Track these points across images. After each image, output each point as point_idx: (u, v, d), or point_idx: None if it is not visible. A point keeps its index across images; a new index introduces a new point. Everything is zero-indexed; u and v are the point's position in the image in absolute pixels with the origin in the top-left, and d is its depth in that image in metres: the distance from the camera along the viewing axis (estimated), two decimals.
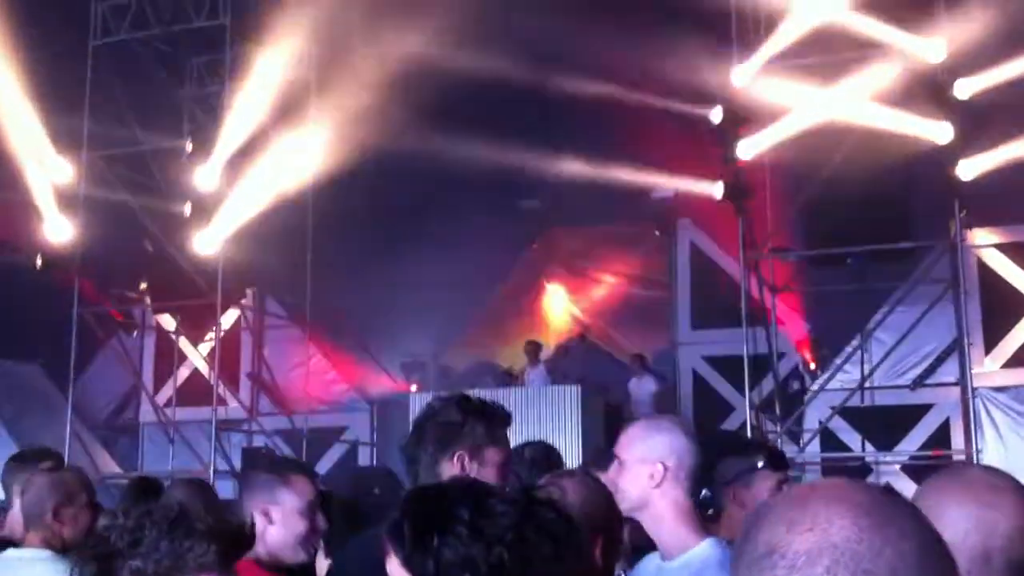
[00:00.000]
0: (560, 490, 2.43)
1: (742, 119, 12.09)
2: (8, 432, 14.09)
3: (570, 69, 13.59)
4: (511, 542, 1.43)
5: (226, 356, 14.62)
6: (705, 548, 2.52)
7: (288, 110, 13.92)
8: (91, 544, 1.95)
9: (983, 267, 11.78)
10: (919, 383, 11.79)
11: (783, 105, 11.91)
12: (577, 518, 1.60)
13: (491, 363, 15.70)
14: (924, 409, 11.87)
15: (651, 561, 2.67)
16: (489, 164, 13.54)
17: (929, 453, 11.65)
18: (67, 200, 14.06)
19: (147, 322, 15.98)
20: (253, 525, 2.97)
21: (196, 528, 1.91)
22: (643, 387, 13.63)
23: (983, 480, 1.72)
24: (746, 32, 12.17)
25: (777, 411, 12.40)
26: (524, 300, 17.15)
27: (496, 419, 2.78)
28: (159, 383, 15.75)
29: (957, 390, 11.54)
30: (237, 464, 14.15)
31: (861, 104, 11.46)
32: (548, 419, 11.89)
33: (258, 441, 15.02)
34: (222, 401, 14.15)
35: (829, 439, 12.09)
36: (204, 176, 13.91)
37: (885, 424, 11.82)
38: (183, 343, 15.43)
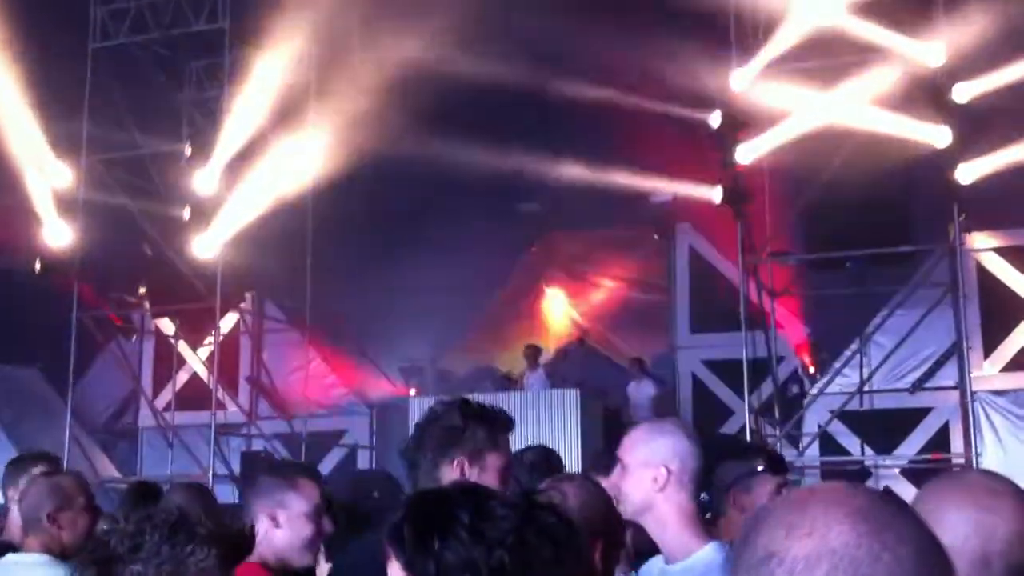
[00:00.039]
0: (560, 494, 2.43)
1: (741, 123, 12.10)
2: (7, 436, 14.09)
3: (569, 73, 13.61)
4: (512, 545, 1.43)
5: (225, 360, 14.61)
6: (709, 552, 2.53)
7: (287, 114, 13.92)
8: (91, 549, 1.95)
9: (982, 271, 11.78)
10: (918, 387, 11.79)
11: (782, 109, 11.92)
12: (577, 522, 1.60)
13: (490, 367, 15.69)
14: (923, 413, 11.87)
15: (654, 565, 2.67)
16: (488, 168, 13.55)
17: (928, 457, 11.65)
18: (66, 204, 14.06)
19: (146, 326, 15.97)
20: (253, 528, 2.98)
21: (197, 532, 1.91)
22: (642, 391, 13.63)
23: (982, 484, 1.72)
24: (745, 36, 12.18)
25: (776, 415, 12.41)
26: (523, 304, 17.14)
27: (497, 424, 2.77)
28: (158, 387, 15.74)
29: (956, 394, 11.54)
30: (236, 468, 14.14)
31: (860, 108, 11.47)
32: (547, 423, 11.88)
33: (257, 445, 15.01)
34: (221, 405, 14.14)
35: (828, 443, 12.09)
36: (203, 180, 13.91)
37: (884, 428, 11.82)
38: (182, 347, 15.42)
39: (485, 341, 16.46)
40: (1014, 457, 10.87)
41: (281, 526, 2.98)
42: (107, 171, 14.44)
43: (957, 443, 11.58)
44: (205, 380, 14.86)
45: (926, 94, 11.33)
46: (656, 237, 15.96)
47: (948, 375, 11.64)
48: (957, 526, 1.62)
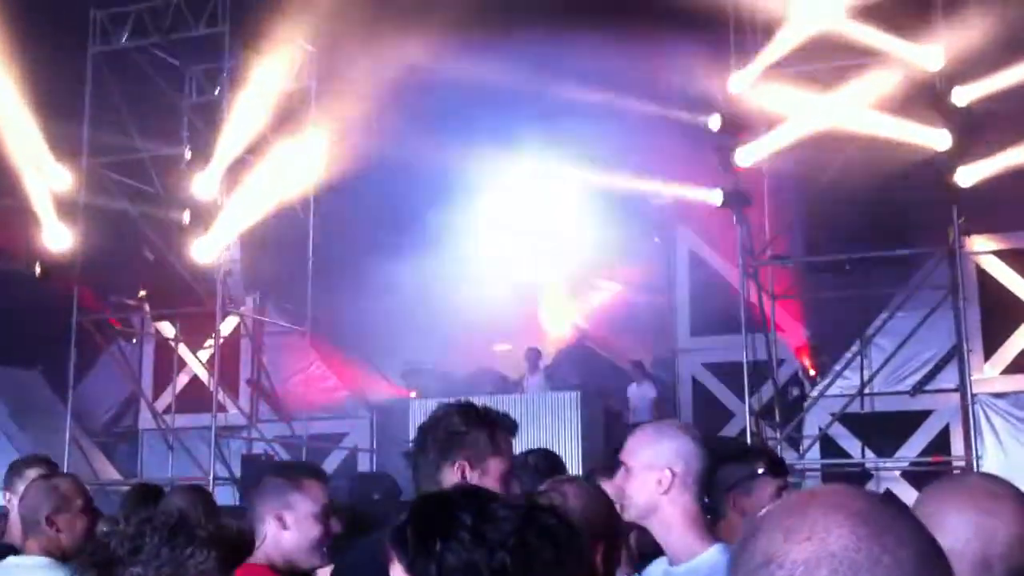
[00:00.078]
0: (561, 496, 2.44)
1: (741, 126, 12.11)
2: (8, 439, 14.09)
3: (569, 76, 13.61)
4: (513, 547, 1.44)
5: (225, 363, 14.59)
6: (713, 554, 2.52)
7: (287, 117, 13.93)
8: (91, 551, 1.96)
9: (982, 273, 11.78)
10: (919, 389, 11.79)
11: (782, 112, 11.92)
12: (578, 524, 1.60)
13: (491, 370, 15.67)
14: (924, 415, 11.87)
15: (658, 566, 2.67)
16: (488, 170, 13.57)
17: (929, 459, 11.64)
18: (66, 208, 14.05)
19: (146, 329, 15.97)
20: (252, 531, 2.97)
21: (196, 535, 1.91)
22: (642, 393, 13.63)
23: (983, 488, 1.72)
24: (745, 39, 12.19)
25: (777, 417, 12.40)
26: (523, 307, 17.13)
27: (500, 428, 2.77)
28: (158, 390, 15.73)
29: (957, 396, 11.54)
30: (237, 471, 14.13)
31: (860, 111, 11.47)
32: (548, 425, 11.89)
33: (257, 448, 14.99)
34: (221, 408, 14.12)
35: (829, 445, 12.08)
36: (203, 184, 13.90)
37: (885, 430, 11.82)
38: (182, 350, 15.42)
39: (485, 344, 16.45)
40: (1015, 459, 10.87)
41: (289, 527, 2.97)
42: (107, 174, 14.45)
43: (958, 446, 11.57)
44: (205, 382, 14.85)
45: (925, 97, 11.33)
46: (656, 240, 15.96)
47: (948, 378, 11.64)
48: (958, 529, 1.62)
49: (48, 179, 13.97)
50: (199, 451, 14.04)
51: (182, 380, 15.45)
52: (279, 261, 14.51)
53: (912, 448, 11.81)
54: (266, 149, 14.00)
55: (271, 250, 14.08)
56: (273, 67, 13.37)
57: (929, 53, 11.30)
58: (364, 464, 14.74)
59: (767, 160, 12.24)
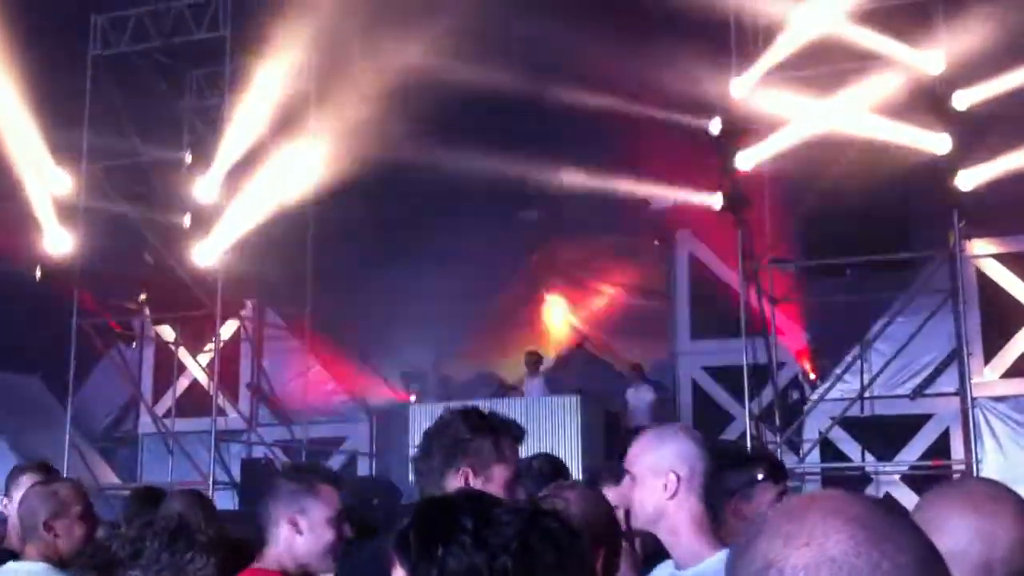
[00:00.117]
0: (563, 501, 2.43)
1: (741, 130, 12.12)
2: (8, 444, 14.08)
3: (569, 80, 13.61)
4: (515, 551, 1.44)
5: (225, 367, 14.60)
6: (720, 559, 2.51)
7: (288, 122, 13.93)
8: (91, 553, 1.96)
9: (982, 277, 11.78)
10: (919, 393, 11.79)
11: (782, 116, 11.93)
12: (580, 528, 1.61)
13: (491, 374, 15.68)
14: (924, 419, 11.86)
15: (663, 570, 2.67)
16: (488, 175, 13.56)
17: (929, 463, 11.64)
18: (66, 211, 14.06)
19: (146, 333, 15.98)
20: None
21: (196, 540, 1.91)
22: (641, 397, 13.64)
23: (983, 492, 1.72)
24: (745, 43, 12.20)
25: (777, 421, 12.40)
26: (523, 311, 17.15)
27: (505, 435, 2.76)
28: (158, 394, 15.73)
29: (957, 400, 11.54)
30: (236, 475, 14.13)
31: (860, 115, 11.48)
32: (547, 429, 11.88)
33: (257, 452, 15.00)
34: (221, 412, 14.13)
35: (829, 449, 12.08)
36: (204, 188, 13.93)
37: (885, 434, 11.81)
38: (182, 354, 15.42)
39: (486, 348, 16.46)
40: (1015, 463, 10.87)
41: (302, 532, 2.94)
42: (108, 179, 14.46)
43: (958, 449, 11.57)
44: (205, 387, 14.85)
45: (926, 101, 11.34)
46: (656, 244, 15.97)
47: (948, 381, 11.63)
48: (959, 533, 1.62)
49: (48, 183, 13.99)
50: (199, 455, 14.03)
51: (182, 384, 15.46)
52: (279, 265, 14.51)
53: (912, 452, 11.80)
54: (266, 153, 14.01)
55: (271, 254, 14.08)
56: (273, 72, 13.37)
57: (930, 57, 11.31)
58: (364, 468, 14.74)
59: (767, 164, 12.24)
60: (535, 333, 16.73)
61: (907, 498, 10.47)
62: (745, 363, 11.93)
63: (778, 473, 3.44)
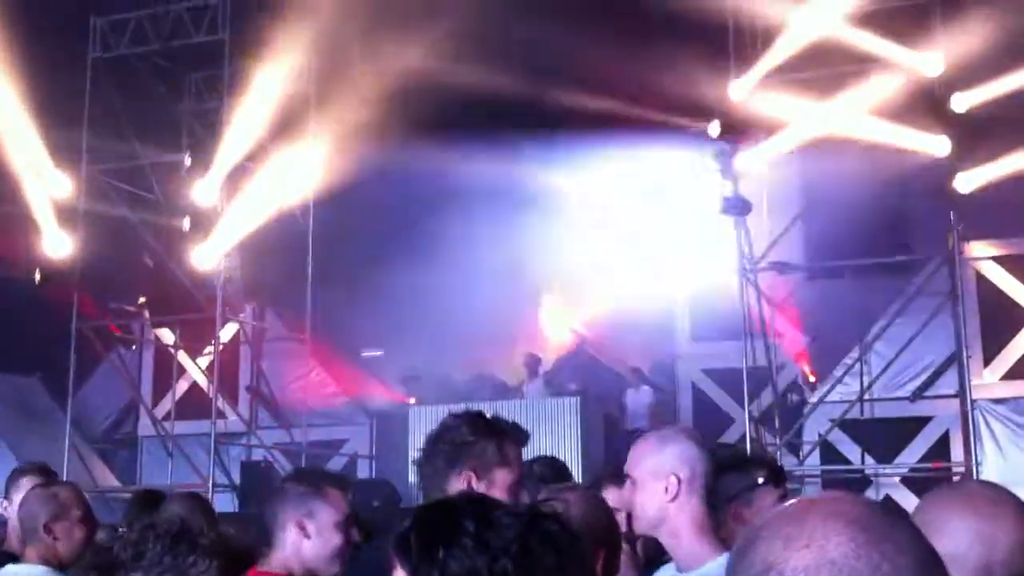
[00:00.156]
0: (563, 503, 2.43)
1: (740, 132, 12.12)
2: (7, 446, 14.07)
3: (568, 83, 13.63)
4: (516, 553, 1.44)
5: (225, 369, 14.59)
6: (722, 563, 2.51)
7: (287, 124, 13.94)
8: (92, 554, 1.96)
9: (981, 279, 11.78)
10: (918, 395, 11.80)
11: (781, 119, 11.94)
12: (580, 531, 1.61)
13: (491, 376, 15.67)
14: (924, 421, 11.87)
15: (665, 573, 2.67)
16: (488, 177, 13.57)
17: (929, 465, 11.65)
18: (66, 214, 14.06)
19: (146, 336, 15.97)
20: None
21: (199, 543, 1.92)
22: (640, 399, 13.63)
23: (983, 494, 1.73)
24: (744, 46, 12.20)
25: (776, 424, 12.39)
26: (523, 312, 17.13)
27: (509, 440, 2.75)
28: (158, 397, 15.72)
29: (956, 402, 11.54)
30: (236, 478, 14.12)
31: (859, 118, 11.49)
32: (547, 431, 11.89)
33: (257, 455, 14.99)
34: (221, 414, 14.12)
35: (829, 452, 12.08)
36: (203, 190, 13.92)
37: (885, 436, 11.81)
38: (182, 356, 15.42)
39: (485, 349, 16.44)
40: (1014, 465, 10.87)
41: (310, 536, 2.92)
42: (107, 181, 14.46)
43: (957, 451, 11.57)
44: (205, 389, 14.84)
45: (925, 104, 11.35)
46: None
47: (948, 383, 11.64)
48: (959, 535, 1.63)
49: (48, 186, 13.98)
50: (198, 458, 14.02)
51: (182, 387, 15.44)
52: (278, 267, 14.51)
53: (912, 454, 11.81)
54: (266, 156, 14.02)
55: (271, 257, 14.08)
56: (273, 74, 13.38)
57: (928, 59, 11.32)
58: (364, 471, 14.73)
59: (767, 166, 12.24)
60: (534, 335, 16.72)
61: (907, 500, 10.47)
62: (745, 365, 11.94)
63: (778, 477, 3.44)
